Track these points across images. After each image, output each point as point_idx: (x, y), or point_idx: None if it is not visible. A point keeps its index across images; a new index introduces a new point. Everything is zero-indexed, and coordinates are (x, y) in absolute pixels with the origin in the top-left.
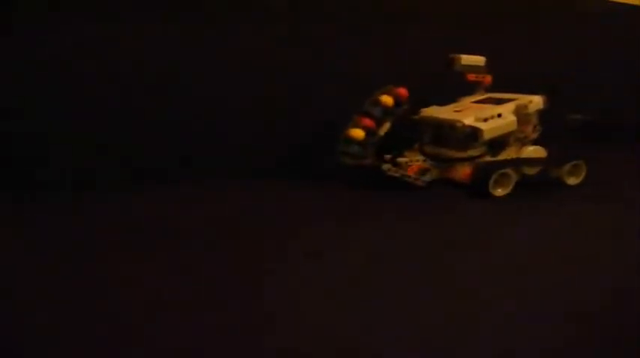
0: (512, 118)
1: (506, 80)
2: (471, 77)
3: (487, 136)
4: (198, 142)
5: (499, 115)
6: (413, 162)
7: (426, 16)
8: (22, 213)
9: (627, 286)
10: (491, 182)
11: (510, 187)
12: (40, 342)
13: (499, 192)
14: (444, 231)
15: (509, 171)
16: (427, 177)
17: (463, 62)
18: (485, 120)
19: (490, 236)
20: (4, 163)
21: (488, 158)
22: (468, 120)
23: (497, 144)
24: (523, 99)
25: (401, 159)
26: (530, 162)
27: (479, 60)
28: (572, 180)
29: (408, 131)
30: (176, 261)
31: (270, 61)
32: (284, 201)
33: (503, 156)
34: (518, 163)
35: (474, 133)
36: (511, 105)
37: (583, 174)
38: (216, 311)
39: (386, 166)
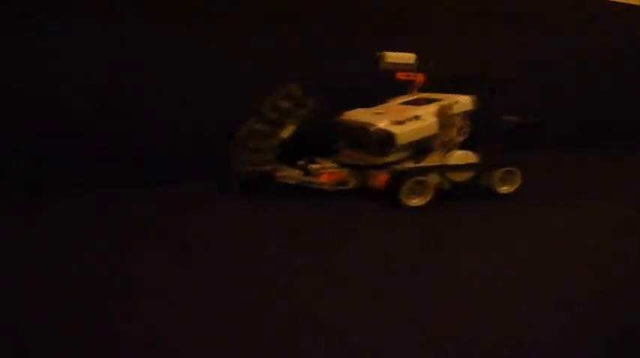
0: (432, 121)
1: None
2: (401, 76)
3: (402, 140)
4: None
5: (416, 117)
6: (326, 169)
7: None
8: (22, 213)
9: (628, 285)
10: (403, 190)
11: (429, 196)
12: (41, 340)
13: (415, 201)
14: (441, 231)
15: (426, 178)
16: (346, 186)
17: (389, 60)
18: (401, 123)
19: (487, 236)
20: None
21: (411, 164)
22: (383, 124)
23: (421, 148)
24: (449, 99)
25: (313, 166)
26: (455, 168)
27: (408, 57)
28: (505, 189)
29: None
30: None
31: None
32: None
33: (428, 161)
34: (437, 170)
35: (387, 137)
36: (433, 107)
37: (518, 181)
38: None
39: (280, 174)
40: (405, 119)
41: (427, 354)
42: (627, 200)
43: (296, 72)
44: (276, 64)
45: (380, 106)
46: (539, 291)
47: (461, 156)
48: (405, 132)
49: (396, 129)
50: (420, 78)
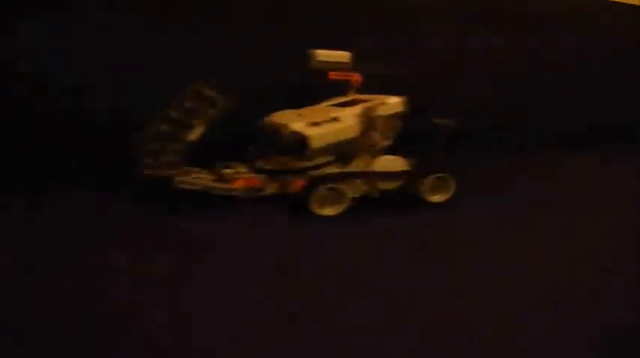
0: (350, 123)
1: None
2: (334, 76)
3: (316, 143)
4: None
5: (335, 119)
6: (240, 175)
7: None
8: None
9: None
10: (314, 198)
11: (345, 205)
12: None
13: (328, 211)
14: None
15: (340, 186)
16: (262, 193)
17: (319, 58)
18: (317, 124)
19: (487, 236)
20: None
21: (334, 169)
22: (297, 126)
23: (344, 153)
24: (376, 100)
25: (226, 171)
26: (380, 174)
27: (341, 56)
28: (436, 198)
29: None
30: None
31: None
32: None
33: (353, 167)
34: (357, 176)
35: (301, 140)
36: (357, 109)
37: (451, 189)
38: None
39: (180, 178)
40: (322, 121)
41: (427, 354)
42: (627, 200)
43: (295, 72)
44: (276, 64)
45: (308, 108)
46: (539, 291)
47: (388, 162)
48: (320, 135)
49: (310, 132)
50: (355, 77)
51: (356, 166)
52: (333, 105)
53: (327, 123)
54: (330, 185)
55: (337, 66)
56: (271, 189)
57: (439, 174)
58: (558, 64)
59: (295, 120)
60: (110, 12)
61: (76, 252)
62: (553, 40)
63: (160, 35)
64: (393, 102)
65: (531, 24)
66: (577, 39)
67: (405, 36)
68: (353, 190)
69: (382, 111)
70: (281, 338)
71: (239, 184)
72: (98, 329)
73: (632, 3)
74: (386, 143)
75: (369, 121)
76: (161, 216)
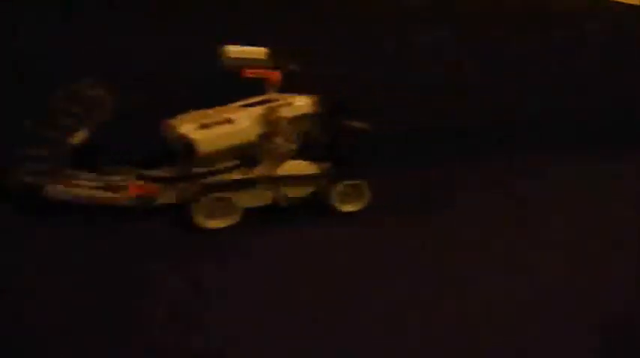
0: (247, 125)
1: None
2: (248, 73)
3: (205, 148)
4: None
5: (229, 121)
6: (132, 182)
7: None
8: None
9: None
10: (197, 209)
11: (236, 217)
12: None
13: (215, 223)
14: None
15: (228, 195)
16: (154, 202)
17: (232, 55)
18: (206, 127)
19: (485, 236)
20: None
21: (234, 176)
22: (186, 128)
23: (247, 158)
24: (282, 101)
25: (114, 179)
26: (286, 181)
27: (257, 52)
28: (348, 207)
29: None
30: None
31: None
32: None
33: (255, 173)
34: (253, 183)
35: (187, 144)
36: (257, 110)
37: (365, 198)
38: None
39: (52, 187)
40: (214, 123)
41: (427, 354)
42: (627, 200)
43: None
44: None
45: (216, 108)
46: (539, 291)
47: (295, 167)
48: (209, 138)
49: (197, 135)
50: (274, 76)
51: (258, 172)
52: (245, 105)
53: (219, 126)
54: (216, 194)
55: (252, 63)
56: (167, 198)
57: (349, 182)
58: (558, 64)
59: (187, 122)
60: (110, 12)
61: (76, 251)
62: (553, 40)
63: (160, 35)
64: (300, 103)
65: (531, 24)
66: (577, 39)
67: (405, 36)
68: (254, 199)
69: (286, 112)
70: (281, 338)
71: (131, 192)
72: (98, 329)
73: (632, 3)
74: (292, 147)
75: (270, 123)
76: (161, 216)
